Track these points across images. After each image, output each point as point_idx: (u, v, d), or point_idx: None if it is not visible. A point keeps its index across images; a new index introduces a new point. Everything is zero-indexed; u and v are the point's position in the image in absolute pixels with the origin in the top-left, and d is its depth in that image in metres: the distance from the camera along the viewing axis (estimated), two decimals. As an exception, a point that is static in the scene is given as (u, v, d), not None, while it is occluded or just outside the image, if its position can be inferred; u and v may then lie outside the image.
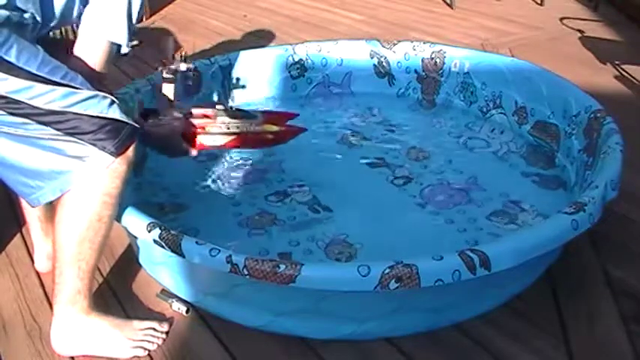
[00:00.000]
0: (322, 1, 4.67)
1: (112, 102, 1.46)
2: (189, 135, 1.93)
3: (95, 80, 1.50)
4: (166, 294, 1.73)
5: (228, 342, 1.59)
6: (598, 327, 1.59)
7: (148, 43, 3.90)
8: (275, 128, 2.07)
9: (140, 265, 1.85)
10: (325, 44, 2.89)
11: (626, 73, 3.09)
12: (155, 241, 1.53)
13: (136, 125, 1.49)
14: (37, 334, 1.63)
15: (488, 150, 2.41)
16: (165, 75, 1.96)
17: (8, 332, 1.65)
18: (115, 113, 1.45)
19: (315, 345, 1.56)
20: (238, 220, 2.01)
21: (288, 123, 2.15)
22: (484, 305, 1.63)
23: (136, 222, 1.59)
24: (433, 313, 1.58)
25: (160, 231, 1.52)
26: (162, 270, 1.75)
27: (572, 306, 1.66)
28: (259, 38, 3.91)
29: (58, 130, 1.39)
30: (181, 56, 2.00)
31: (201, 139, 1.95)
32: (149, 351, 1.56)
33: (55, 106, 1.37)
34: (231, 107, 2.17)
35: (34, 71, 1.35)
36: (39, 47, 1.42)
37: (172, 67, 1.95)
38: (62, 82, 1.38)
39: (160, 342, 1.58)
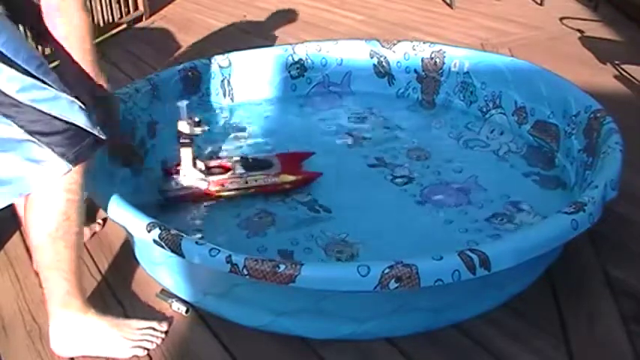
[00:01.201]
0: (322, 1, 4.67)
1: (80, 108, 1.41)
2: (210, 194, 2.08)
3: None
4: (166, 294, 1.73)
5: (228, 342, 1.59)
6: (598, 327, 1.59)
7: (148, 43, 3.91)
8: (291, 178, 2.14)
9: (138, 263, 1.85)
10: (325, 44, 2.89)
11: (626, 73, 3.09)
12: (155, 241, 1.53)
13: (102, 137, 1.45)
14: (37, 334, 1.63)
15: (488, 150, 2.41)
16: (182, 140, 2.06)
17: (8, 332, 1.65)
18: (80, 120, 1.40)
19: (315, 345, 1.56)
20: (238, 221, 2.01)
21: (304, 168, 2.22)
22: (484, 305, 1.63)
23: (135, 222, 1.59)
24: (433, 313, 1.58)
25: (159, 231, 1.52)
26: (162, 270, 1.75)
27: (572, 306, 1.66)
28: (259, 38, 3.91)
29: (19, 126, 1.34)
30: (195, 121, 2.08)
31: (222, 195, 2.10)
32: (148, 350, 1.56)
33: (21, 97, 1.32)
34: (246, 157, 2.24)
35: (9, 55, 1.30)
36: (20, 30, 1.39)
37: (188, 132, 2.05)
38: (34, 73, 1.33)
39: (159, 341, 1.58)
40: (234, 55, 2.79)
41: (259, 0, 4.75)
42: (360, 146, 2.46)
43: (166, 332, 1.61)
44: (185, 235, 1.51)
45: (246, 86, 2.80)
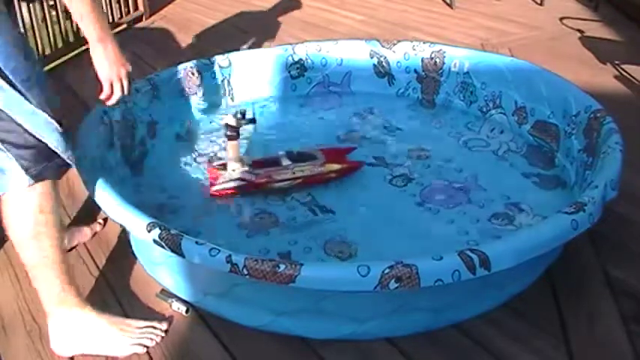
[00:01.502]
0: (322, 1, 4.67)
1: (56, 129, 1.43)
2: (258, 184, 2.11)
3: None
4: (166, 294, 1.73)
5: (228, 342, 1.59)
6: (598, 327, 1.59)
7: (148, 43, 3.91)
8: (337, 167, 2.19)
9: (138, 263, 1.85)
10: (325, 44, 2.89)
11: (626, 73, 3.09)
12: (155, 241, 1.53)
13: (69, 162, 1.47)
14: (37, 334, 1.63)
15: (488, 149, 2.41)
16: (229, 133, 2.13)
17: (8, 332, 1.65)
18: (52, 140, 1.42)
19: (315, 345, 1.56)
20: (237, 221, 2.01)
21: (349, 160, 2.25)
22: (484, 305, 1.63)
23: (135, 222, 1.59)
24: (433, 313, 1.58)
25: (159, 231, 1.52)
26: (162, 270, 1.75)
27: (572, 306, 1.66)
28: (259, 38, 3.91)
29: None
30: (242, 114, 2.14)
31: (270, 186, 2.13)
32: (148, 348, 1.56)
33: (2, 106, 1.34)
34: (291, 150, 2.26)
35: None
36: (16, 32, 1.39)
37: (234, 125, 2.12)
38: (18, 86, 1.35)
39: (158, 339, 1.58)
40: (235, 55, 2.79)
41: (259, 0, 4.75)
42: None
43: (166, 331, 1.61)
44: (185, 235, 1.51)
45: (247, 86, 2.80)
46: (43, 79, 1.46)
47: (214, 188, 2.12)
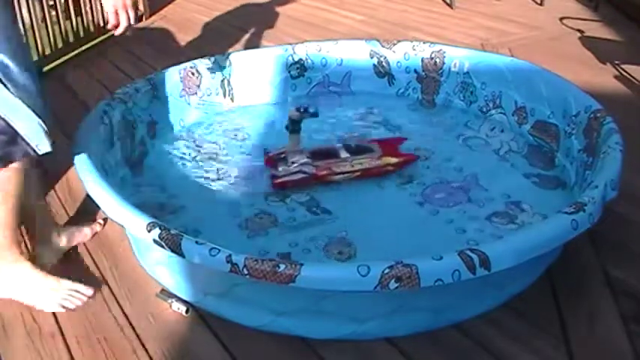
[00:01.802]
0: (322, 1, 4.67)
1: (31, 116, 1.49)
2: (319, 177, 2.15)
3: None
4: (166, 294, 1.73)
5: (228, 342, 1.58)
6: (598, 327, 1.59)
7: (148, 43, 3.91)
8: (394, 160, 2.24)
9: (139, 263, 1.85)
10: (325, 44, 2.89)
11: (626, 73, 3.09)
12: (155, 241, 1.53)
13: (37, 152, 1.53)
14: (36, 334, 1.63)
15: (489, 149, 2.41)
16: (291, 127, 2.20)
17: (8, 332, 1.65)
18: (22, 128, 1.48)
19: (315, 345, 1.56)
20: (238, 221, 2.01)
21: (403, 151, 2.31)
22: (484, 305, 1.63)
23: (135, 222, 1.59)
24: (433, 313, 1.58)
25: (159, 231, 1.52)
26: (162, 270, 1.75)
27: (572, 306, 1.66)
28: (259, 38, 3.91)
29: None
30: (304, 108, 2.19)
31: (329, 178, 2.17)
32: (66, 309, 1.68)
33: None
34: (349, 143, 2.31)
35: None
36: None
37: (296, 119, 2.19)
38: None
39: (79, 303, 1.70)
40: (234, 55, 2.79)
41: (259, 0, 4.75)
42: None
43: (91, 297, 1.72)
44: (185, 235, 1.51)
45: (246, 86, 2.80)
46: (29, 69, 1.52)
47: (278, 180, 2.15)
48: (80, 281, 1.76)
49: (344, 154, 2.23)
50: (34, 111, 1.50)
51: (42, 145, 1.54)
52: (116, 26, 1.68)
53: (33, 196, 1.78)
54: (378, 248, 1.83)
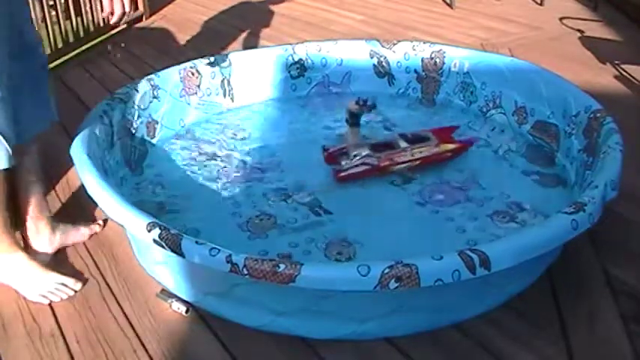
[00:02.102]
0: (322, 1, 4.67)
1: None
2: (382, 168, 2.18)
3: None
4: (166, 294, 1.73)
5: (228, 342, 1.58)
6: (598, 327, 1.59)
7: (148, 43, 3.91)
8: (451, 146, 2.28)
9: (138, 263, 1.85)
10: (325, 44, 2.89)
11: (626, 73, 3.09)
12: (155, 240, 1.53)
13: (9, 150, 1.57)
14: (36, 334, 1.63)
15: (489, 149, 2.41)
16: (352, 120, 2.27)
17: (8, 332, 1.65)
18: None
19: (315, 345, 1.56)
20: (238, 221, 2.01)
21: (458, 138, 2.36)
22: (484, 305, 1.63)
23: (135, 222, 1.59)
24: (433, 313, 1.58)
25: (159, 231, 1.52)
26: (162, 270, 1.75)
27: (572, 306, 1.66)
28: (259, 38, 3.91)
29: None
30: (364, 102, 2.25)
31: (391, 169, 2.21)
32: (52, 301, 1.71)
33: None
34: (405, 133, 2.33)
35: None
36: None
37: (357, 112, 2.26)
38: None
39: (65, 297, 1.72)
40: (234, 55, 2.79)
41: (259, 0, 4.75)
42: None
43: (76, 291, 1.74)
44: (185, 235, 1.51)
45: (246, 86, 2.79)
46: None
47: (342, 173, 2.18)
48: (79, 279, 1.77)
49: (403, 144, 2.26)
50: None
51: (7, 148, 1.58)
52: (111, 13, 1.68)
53: (25, 171, 1.80)
54: (378, 248, 1.83)
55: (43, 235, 1.87)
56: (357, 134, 2.28)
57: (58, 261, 1.88)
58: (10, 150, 1.58)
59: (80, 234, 1.97)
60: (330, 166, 2.24)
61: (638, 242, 1.91)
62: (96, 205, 1.73)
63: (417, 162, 2.21)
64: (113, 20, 1.71)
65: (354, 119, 2.28)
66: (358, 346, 1.55)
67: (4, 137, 1.56)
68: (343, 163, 2.20)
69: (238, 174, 2.29)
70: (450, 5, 4.42)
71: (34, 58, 1.77)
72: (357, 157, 2.19)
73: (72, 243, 1.95)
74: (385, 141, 2.30)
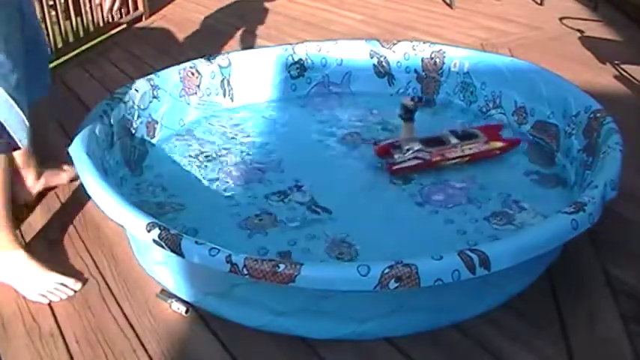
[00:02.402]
0: (322, 1, 4.67)
1: (12, 108, 1.54)
2: (434, 162, 2.24)
3: None
4: (166, 294, 1.73)
5: (228, 342, 1.58)
6: (598, 327, 1.59)
7: (148, 43, 3.91)
8: (500, 144, 2.32)
9: (138, 263, 1.85)
10: (325, 44, 2.89)
11: (626, 73, 3.09)
12: (155, 241, 1.53)
13: (17, 145, 1.60)
14: (36, 334, 1.63)
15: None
16: (405, 116, 2.34)
17: (8, 332, 1.65)
18: (3, 115, 1.53)
19: (315, 345, 1.56)
20: (238, 221, 2.01)
21: (505, 136, 2.39)
22: (484, 305, 1.63)
23: (135, 222, 1.59)
24: (433, 313, 1.58)
25: (159, 231, 1.52)
26: (161, 270, 1.75)
27: (572, 306, 1.66)
28: (259, 38, 3.91)
29: None
30: (418, 98, 2.36)
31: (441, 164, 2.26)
32: (51, 302, 1.71)
33: None
34: (455, 130, 2.38)
35: None
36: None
37: (411, 108, 2.32)
38: None
39: (64, 297, 1.72)
40: (234, 55, 2.79)
41: (259, 0, 4.75)
42: (359, 146, 2.45)
43: (75, 291, 1.75)
44: (185, 235, 1.51)
45: (246, 86, 2.79)
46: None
47: (396, 167, 2.22)
48: (78, 279, 1.78)
49: (454, 140, 2.29)
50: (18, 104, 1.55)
51: (19, 137, 1.60)
52: (107, 1, 1.76)
53: None
54: (378, 248, 1.83)
55: (29, 181, 2.03)
56: (411, 129, 2.34)
57: (58, 261, 1.88)
58: (27, 122, 1.60)
59: (59, 177, 2.14)
60: (382, 160, 2.29)
61: (638, 242, 1.91)
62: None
63: (467, 158, 2.26)
64: (106, 7, 1.78)
65: (408, 114, 2.34)
66: (358, 346, 1.55)
67: (20, 107, 1.59)
68: (396, 156, 2.24)
69: (238, 174, 2.29)
70: (449, 5, 4.42)
71: (31, 20, 1.82)
72: (410, 152, 2.24)
73: (55, 184, 2.10)
74: (435, 136, 2.34)
